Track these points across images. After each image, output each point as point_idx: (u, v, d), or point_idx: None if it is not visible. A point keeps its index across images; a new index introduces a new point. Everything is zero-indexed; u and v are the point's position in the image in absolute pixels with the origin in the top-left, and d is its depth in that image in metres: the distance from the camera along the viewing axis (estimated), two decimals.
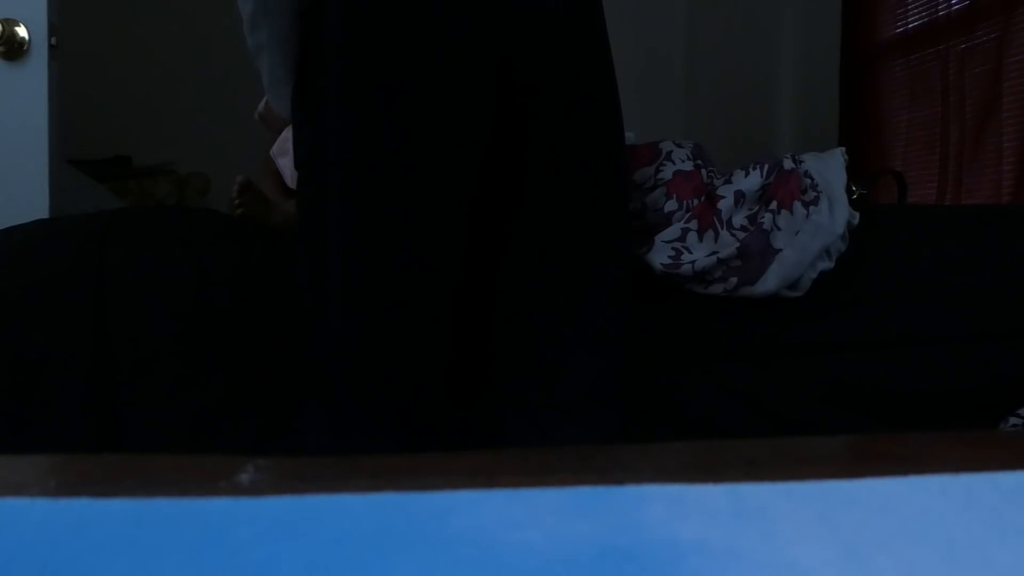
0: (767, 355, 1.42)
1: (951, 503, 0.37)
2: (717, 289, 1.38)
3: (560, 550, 0.32)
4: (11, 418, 1.30)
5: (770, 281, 1.35)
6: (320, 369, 1.18)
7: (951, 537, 0.34)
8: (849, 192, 1.44)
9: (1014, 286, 1.45)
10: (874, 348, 1.42)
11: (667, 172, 1.43)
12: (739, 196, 1.40)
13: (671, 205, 1.41)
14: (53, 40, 1.61)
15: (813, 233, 1.36)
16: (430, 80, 1.06)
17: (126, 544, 0.32)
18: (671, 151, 1.46)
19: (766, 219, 1.37)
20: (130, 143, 2.69)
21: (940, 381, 1.41)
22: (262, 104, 1.42)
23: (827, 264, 1.39)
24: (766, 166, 1.43)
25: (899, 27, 2.97)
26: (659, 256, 1.38)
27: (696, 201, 1.42)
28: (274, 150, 1.53)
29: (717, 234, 1.39)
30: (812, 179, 1.41)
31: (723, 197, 1.41)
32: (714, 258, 1.36)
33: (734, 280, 1.36)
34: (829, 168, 1.46)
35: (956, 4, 2.66)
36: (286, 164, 1.49)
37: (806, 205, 1.38)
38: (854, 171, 1.50)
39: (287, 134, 1.47)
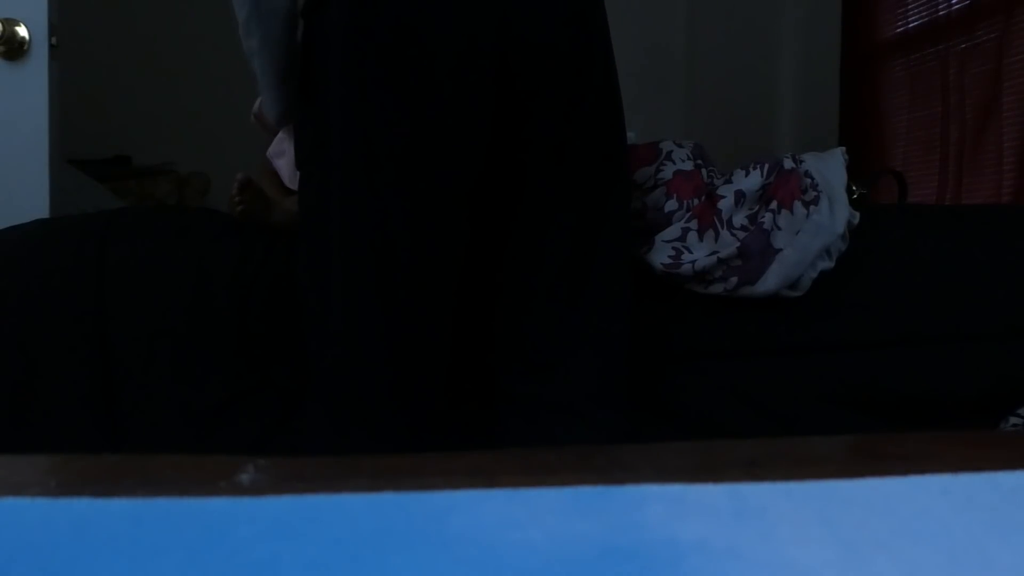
0: (767, 355, 1.42)
1: (951, 503, 0.37)
2: (717, 289, 1.38)
3: (560, 550, 0.32)
4: (11, 418, 1.30)
5: (770, 281, 1.35)
6: (321, 368, 1.18)
7: (951, 537, 0.34)
8: (849, 192, 1.44)
9: (1014, 286, 1.45)
10: (874, 348, 1.42)
11: (667, 172, 1.43)
12: (739, 196, 1.40)
13: (671, 205, 1.41)
14: (53, 40, 1.61)
15: (813, 233, 1.36)
16: (431, 79, 1.06)
17: (126, 544, 0.32)
18: (671, 151, 1.46)
19: (766, 219, 1.37)
20: (130, 143, 2.69)
21: (940, 381, 1.41)
22: (257, 104, 1.42)
23: (827, 264, 1.39)
24: (766, 166, 1.43)
25: (899, 27, 2.97)
26: (659, 256, 1.38)
27: (696, 201, 1.42)
28: (271, 151, 1.53)
29: (717, 234, 1.39)
30: (812, 179, 1.41)
31: (723, 197, 1.41)
32: (714, 258, 1.36)
33: (734, 280, 1.36)
34: (829, 168, 1.46)
35: (956, 4, 2.66)
36: (283, 165, 1.49)
37: (806, 205, 1.38)
38: (854, 171, 1.49)
39: (283, 135, 1.47)
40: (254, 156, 1.61)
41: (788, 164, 1.43)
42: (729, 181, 1.44)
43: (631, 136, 1.33)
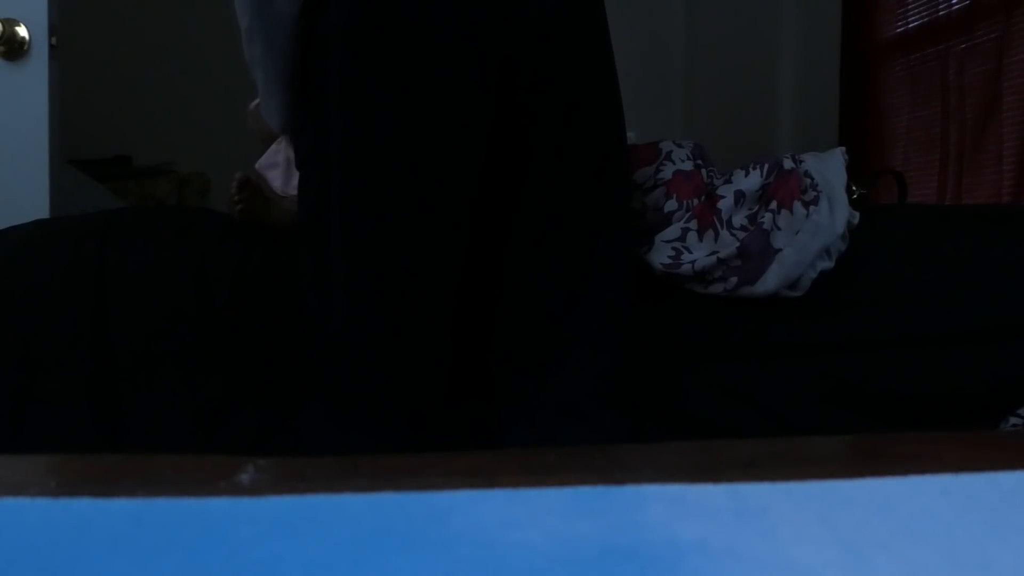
0: (767, 355, 1.42)
1: (951, 503, 0.37)
2: (717, 289, 1.38)
3: (560, 550, 0.32)
4: (11, 418, 1.30)
5: (770, 281, 1.35)
6: (322, 368, 1.18)
7: (951, 537, 0.34)
8: (849, 192, 1.44)
9: (1014, 286, 1.45)
10: (874, 348, 1.42)
11: (667, 172, 1.43)
12: (739, 196, 1.40)
13: (671, 205, 1.41)
14: (53, 40, 1.61)
15: (813, 233, 1.36)
16: (431, 79, 1.06)
17: (126, 544, 0.32)
18: (671, 151, 1.46)
19: (766, 219, 1.37)
20: (130, 143, 2.69)
21: (940, 381, 1.41)
22: (253, 105, 1.41)
23: (827, 264, 1.39)
24: (766, 166, 1.43)
25: (899, 27, 2.97)
26: (659, 256, 1.38)
27: (696, 201, 1.42)
28: (261, 163, 1.51)
29: (717, 234, 1.39)
30: (812, 179, 1.41)
31: (723, 197, 1.41)
32: (714, 258, 1.36)
33: (734, 280, 1.36)
34: (829, 168, 1.46)
35: (956, 4, 2.66)
36: (276, 176, 1.48)
37: (806, 205, 1.38)
38: (854, 171, 1.49)
39: (275, 147, 1.46)
40: (254, 156, 1.61)
41: (788, 164, 1.43)
42: (729, 181, 1.44)
43: (631, 136, 1.33)
